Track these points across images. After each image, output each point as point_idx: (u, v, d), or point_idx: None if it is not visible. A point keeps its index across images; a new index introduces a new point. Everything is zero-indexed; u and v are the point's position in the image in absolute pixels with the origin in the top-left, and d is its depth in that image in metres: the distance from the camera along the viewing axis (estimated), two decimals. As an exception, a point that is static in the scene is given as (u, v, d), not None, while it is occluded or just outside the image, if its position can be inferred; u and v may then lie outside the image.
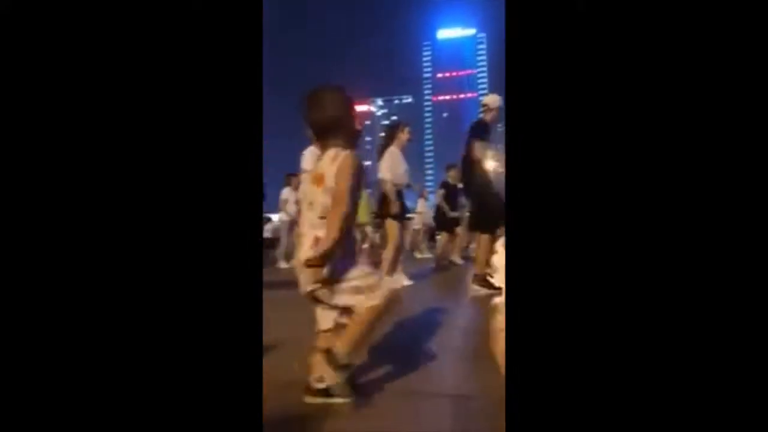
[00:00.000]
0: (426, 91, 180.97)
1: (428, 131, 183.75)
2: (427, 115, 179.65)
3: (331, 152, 1.20)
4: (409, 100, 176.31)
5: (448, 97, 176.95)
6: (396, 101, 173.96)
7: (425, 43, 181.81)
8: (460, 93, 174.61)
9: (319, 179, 1.18)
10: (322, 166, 1.20)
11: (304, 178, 1.28)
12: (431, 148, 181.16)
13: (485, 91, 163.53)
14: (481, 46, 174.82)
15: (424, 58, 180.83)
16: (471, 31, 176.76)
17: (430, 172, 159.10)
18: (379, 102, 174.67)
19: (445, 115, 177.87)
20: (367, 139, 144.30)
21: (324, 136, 1.22)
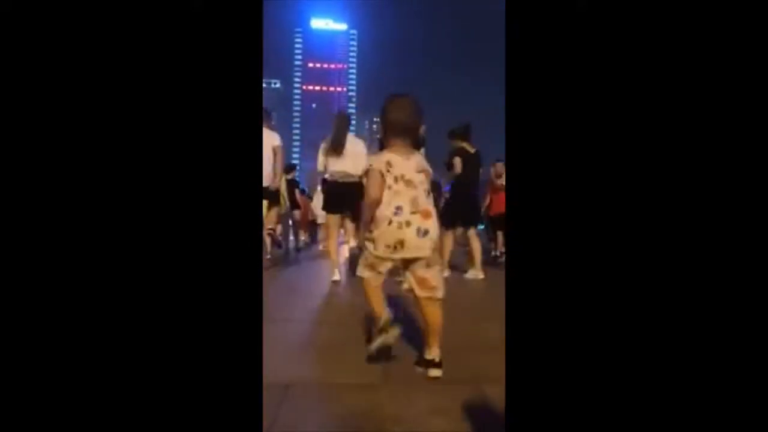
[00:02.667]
0: (296, 79, 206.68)
1: (296, 119, 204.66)
2: (296, 102, 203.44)
3: (417, 157, 1.60)
4: (278, 85, 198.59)
5: (318, 88, 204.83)
6: (264, 85, 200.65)
7: (297, 30, 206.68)
8: (330, 86, 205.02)
9: (411, 183, 1.56)
10: (410, 170, 1.57)
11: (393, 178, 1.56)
12: (298, 134, 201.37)
13: (354, 87, 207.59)
14: (352, 42, 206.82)
15: (296, 46, 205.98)
16: (343, 26, 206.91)
17: (296, 156, 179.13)
18: None
19: (314, 105, 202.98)
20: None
21: (402, 137, 1.59)
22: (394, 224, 1.53)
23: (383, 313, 1.68)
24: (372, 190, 1.57)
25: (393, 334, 1.67)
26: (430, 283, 1.59)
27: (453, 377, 1.60)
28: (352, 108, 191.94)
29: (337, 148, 3.80)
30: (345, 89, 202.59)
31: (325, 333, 2.29)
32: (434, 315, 1.61)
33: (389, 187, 1.55)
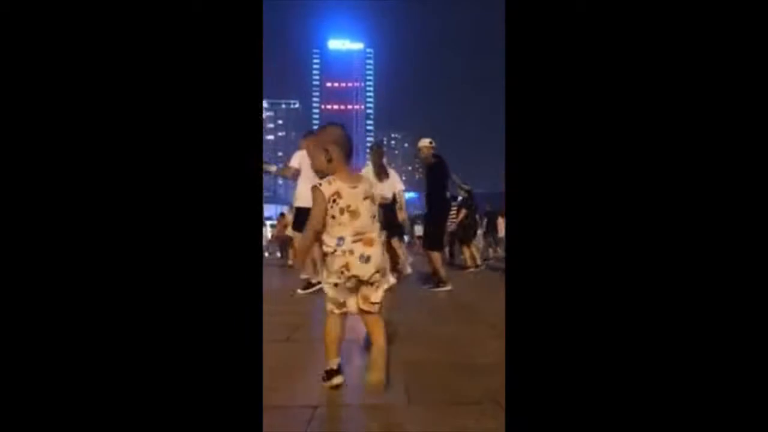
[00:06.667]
0: (315, 98, 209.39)
1: None
2: (315, 121, 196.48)
3: (364, 184, 1.68)
4: (297, 105, 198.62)
5: (336, 107, 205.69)
6: (283, 105, 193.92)
7: (314, 50, 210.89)
8: (348, 104, 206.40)
9: (355, 213, 1.62)
10: (357, 200, 1.63)
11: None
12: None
13: (371, 104, 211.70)
14: (369, 61, 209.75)
15: (314, 66, 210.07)
16: (359, 45, 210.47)
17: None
18: (265, 104, 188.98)
19: None
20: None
21: (347, 163, 1.67)
22: (338, 252, 1.61)
23: (333, 357, 1.74)
24: (316, 220, 1.65)
25: (335, 382, 1.72)
26: (370, 299, 1.67)
27: (474, 398, 1.64)
28: (369, 125, 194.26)
29: (380, 174, 4.51)
30: (363, 107, 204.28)
31: (349, 354, 2.35)
32: (374, 326, 1.69)
33: (333, 217, 1.62)
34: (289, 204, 9.01)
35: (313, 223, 1.65)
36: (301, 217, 4.23)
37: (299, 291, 4.34)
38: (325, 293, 1.72)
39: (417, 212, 13.54)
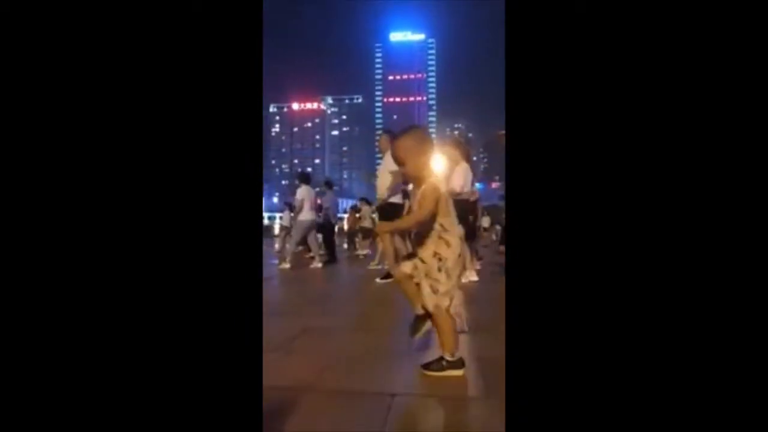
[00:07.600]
0: (377, 92, 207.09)
1: (378, 131, 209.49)
2: (378, 115, 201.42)
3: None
4: (360, 100, 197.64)
5: (398, 99, 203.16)
6: (347, 100, 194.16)
7: (377, 44, 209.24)
8: (410, 96, 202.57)
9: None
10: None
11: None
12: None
13: (433, 95, 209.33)
14: (431, 51, 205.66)
15: (376, 60, 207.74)
16: (421, 36, 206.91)
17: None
18: (330, 100, 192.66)
19: (395, 117, 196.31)
20: (317, 137, 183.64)
21: None
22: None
23: (457, 348, 1.80)
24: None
25: (460, 373, 1.77)
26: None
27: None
28: (432, 116, 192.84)
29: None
30: (425, 98, 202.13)
31: (426, 343, 2.36)
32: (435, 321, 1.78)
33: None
34: (363, 198, 9.63)
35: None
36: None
37: (378, 280, 4.51)
38: (440, 285, 1.73)
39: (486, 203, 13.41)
